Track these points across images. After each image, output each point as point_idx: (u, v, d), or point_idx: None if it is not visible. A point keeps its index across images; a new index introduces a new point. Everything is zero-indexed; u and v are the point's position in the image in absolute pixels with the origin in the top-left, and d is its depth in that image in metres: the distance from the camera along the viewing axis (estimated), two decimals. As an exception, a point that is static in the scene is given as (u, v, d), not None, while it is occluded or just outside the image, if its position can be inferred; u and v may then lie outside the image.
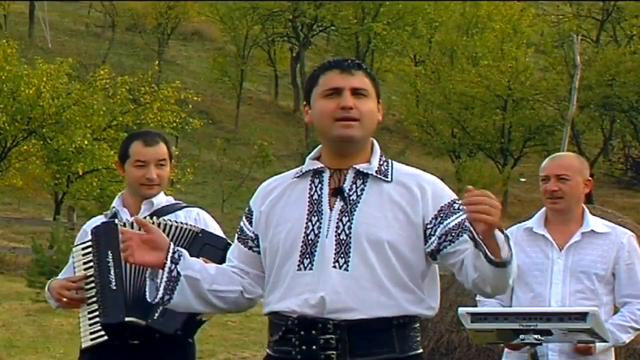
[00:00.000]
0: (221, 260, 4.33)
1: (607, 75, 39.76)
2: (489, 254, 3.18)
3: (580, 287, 4.79)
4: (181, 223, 4.48)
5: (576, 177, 4.85)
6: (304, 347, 3.34)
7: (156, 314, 4.35)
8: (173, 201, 4.78)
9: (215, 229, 4.63)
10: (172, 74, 41.84)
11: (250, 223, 3.53)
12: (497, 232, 3.20)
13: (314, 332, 3.33)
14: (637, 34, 44.78)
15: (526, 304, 4.78)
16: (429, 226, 3.37)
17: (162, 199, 4.71)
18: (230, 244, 4.30)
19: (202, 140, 39.28)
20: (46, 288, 4.73)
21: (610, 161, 44.12)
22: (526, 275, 4.85)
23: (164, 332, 4.40)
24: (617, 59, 40.41)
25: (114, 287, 4.37)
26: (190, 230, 4.45)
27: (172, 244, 3.48)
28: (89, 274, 4.49)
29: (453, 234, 3.35)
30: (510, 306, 4.88)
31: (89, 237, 4.59)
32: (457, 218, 3.37)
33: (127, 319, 4.36)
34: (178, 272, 3.44)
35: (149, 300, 3.49)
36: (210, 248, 4.39)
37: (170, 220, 4.47)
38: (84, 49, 44.99)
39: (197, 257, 4.32)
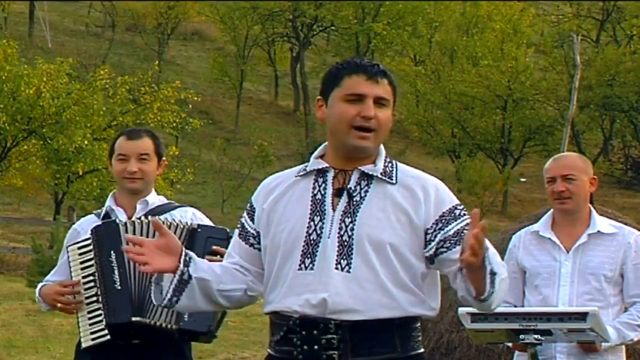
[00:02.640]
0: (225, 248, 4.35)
1: (607, 75, 39.79)
2: (472, 291, 3.29)
3: (588, 288, 4.77)
4: (178, 221, 4.48)
5: (582, 176, 4.83)
6: (305, 347, 3.33)
7: (185, 317, 4.35)
8: (166, 201, 4.77)
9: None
10: (172, 74, 41.83)
11: (252, 220, 3.51)
12: (486, 266, 3.24)
13: (315, 332, 3.32)
14: (637, 34, 44.79)
15: (535, 306, 4.76)
16: (429, 231, 3.37)
17: (155, 199, 4.70)
18: (230, 234, 4.29)
19: (202, 140, 39.28)
20: (37, 292, 4.70)
21: (610, 161, 44.09)
22: (535, 278, 4.84)
23: (198, 331, 4.41)
24: (617, 59, 40.43)
25: (119, 288, 4.37)
26: (187, 227, 4.45)
27: (183, 246, 3.45)
28: (85, 274, 4.48)
29: (451, 241, 3.36)
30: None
31: (82, 237, 4.58)
32: (456, 225, 3.37)
33: (133, 319, 4.36)
34: (189, 275, 3.41)
35: (155, 303, 3.47)
36: (213, 241, 4.40)
37: (167, 219, 4.46)
38: (84, 49, 44.97)
39: (204, 252, 4.37)
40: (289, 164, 36.96)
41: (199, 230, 4.44)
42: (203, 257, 4.33)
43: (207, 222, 4.65)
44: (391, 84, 3.42)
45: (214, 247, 4.36)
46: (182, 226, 4.44)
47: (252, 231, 3.51)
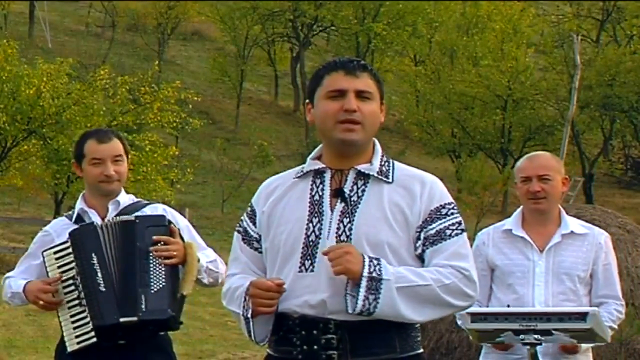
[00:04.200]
0: (167, 235, 4.36)
1: (607, 75, 39.74)
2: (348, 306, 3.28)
3: (562, 288, 4.82)
4: (113, 218, 4.49)
5: (556, 176, 4.89)
6: (305, 347, 3.34)
7: (143, 307, 4.33)
8: (135, 199, 4.78)
9: (182, 221, 4.64)
10: (172, 74, 41.81)
11: (254, 223, 3.53)
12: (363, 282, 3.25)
13: (315, 332, 3.33)
14: (637, 34, 44.76)
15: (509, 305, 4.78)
16: (417, 230, 3.37)
17: (125, 198, 4.71)
18: (170, 220, 4.41)
19: (202, 140, 39.27)
20: (21, 288, 4.63)
21: (610, 161, 44.04)
22: (507, 277, 4.86)
23: (160, 319, 4.38)
24: (617, 59, 40.39)
25: (103, 289, 4.37)
26: (125, 221, 4.46)
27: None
28: (64, 277, 4.46)
29: (430, 241, 3.36)
30: (488, 307, 4.88)
31: (56, 240, 4.59)
32: (439, 224, 3.36)
33: (121, 319, 4.36)
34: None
35: (257, 341, 3.47)
36: (153, 229, 4.42)
37: (105, 220, 4.49)
38: (84, 49, 44.96)
39: (147, 243, 4.35)
40: (289, 164, 36.90)
41: (136, 221, 4.45)
42: (148, 249, 4.34)
43: (178, 217, 4.66)
44: (373, 77, 3.43)
45: (154, 237, 4.39)
46: (116, 222, 4.46)
47: (255, 235, 3.52)
